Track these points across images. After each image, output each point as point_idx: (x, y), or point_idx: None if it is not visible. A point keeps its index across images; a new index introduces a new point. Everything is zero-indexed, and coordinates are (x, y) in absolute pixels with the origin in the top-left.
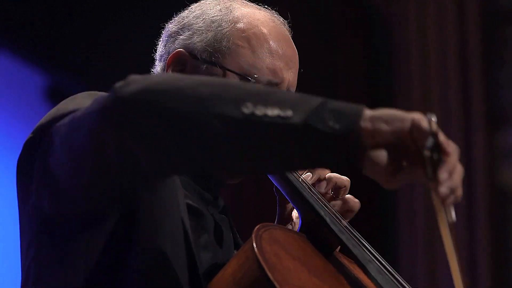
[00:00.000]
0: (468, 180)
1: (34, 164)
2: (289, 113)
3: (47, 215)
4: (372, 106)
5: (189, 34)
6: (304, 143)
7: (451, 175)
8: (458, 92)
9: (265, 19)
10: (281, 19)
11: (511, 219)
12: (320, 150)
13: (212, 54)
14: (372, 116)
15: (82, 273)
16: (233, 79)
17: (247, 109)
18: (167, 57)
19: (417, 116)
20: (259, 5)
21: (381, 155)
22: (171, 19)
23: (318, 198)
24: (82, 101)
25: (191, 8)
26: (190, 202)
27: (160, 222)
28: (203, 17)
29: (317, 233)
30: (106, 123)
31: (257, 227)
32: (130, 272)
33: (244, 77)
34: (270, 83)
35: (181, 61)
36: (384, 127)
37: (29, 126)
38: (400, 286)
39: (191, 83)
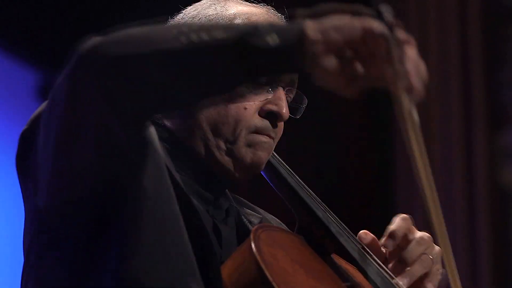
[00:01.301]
0: (469, 180)
1: (29, 158)
2: (225, 35)
3: (43, 212)
4: (372, 105)
5: None
6: (244, 60)
7: (416, 68)
8: (459, 91)
9: (262, 15)
10: (278, 15)
11: None
12: (262, 66)
13: None
14: (319, 26)
15: (81, 273)
16: None
17: (186, 39)
18: None
19: (368, 21)
20: (255, 3)
21: (333, 61)
22: (167, 20)
23: (315, 198)
24: None
25: (185, 11)
26: (188, 202)
27: (147, 219)
28: (199, 17)
29: (314, 235)
30: (74, 84)
31: (255, 228)
32: (125, 271)
33: None
34: (271, 77)
35: None
36: (334, 36)
37: (21, 125)
38: None
39: (144, 30)
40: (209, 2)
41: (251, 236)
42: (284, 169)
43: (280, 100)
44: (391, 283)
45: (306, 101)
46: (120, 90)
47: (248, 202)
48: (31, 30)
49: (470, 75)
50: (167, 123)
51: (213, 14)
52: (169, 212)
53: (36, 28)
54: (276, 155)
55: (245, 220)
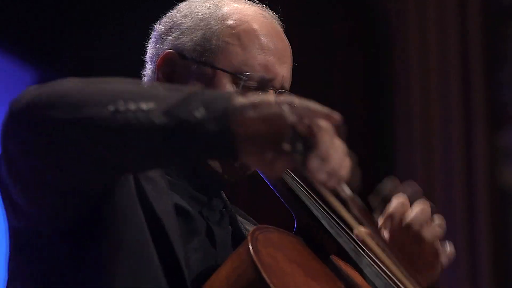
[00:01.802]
0: (469, 180)
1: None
2: (152, 105)
3: (17, 229)
4: (371, 105)
5: (178, 34)
6: (170, 138)
7: (325, 160)
8: (459, 91)
9: (255, 14)
10: (272, 13)
11: None
12: (189, 145)
13: (202, 54)
14: (243, 104)
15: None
16: (223, 78)
17: (113, 107)
18: (157, 59)
19: (277, 105)
20: (249, 0)
21: (256, 144)
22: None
23: (315, 199)
24: None
25: (179, 7)
26: (179, 205)
27: (119, 231)
28: (191, 16)
29: (313, 236)
30: (7, 140)
31: (252, 229)
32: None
33: (235, 75)
34: (263, 80)
35: (170, 62)
36: (251, 114)
37: None
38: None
39: (80, 87)
40: (202, 0)
41: (249, 237)
42: None
43: None
44: (391, 285)
45: None
46: (55, 153)
47: (243, 213)
48: (27, 28)
49: (470, 75)
50: None
51: (205, 13)
52: (139, 240)
53: (32, 27)
54: None
55: (240, 224)
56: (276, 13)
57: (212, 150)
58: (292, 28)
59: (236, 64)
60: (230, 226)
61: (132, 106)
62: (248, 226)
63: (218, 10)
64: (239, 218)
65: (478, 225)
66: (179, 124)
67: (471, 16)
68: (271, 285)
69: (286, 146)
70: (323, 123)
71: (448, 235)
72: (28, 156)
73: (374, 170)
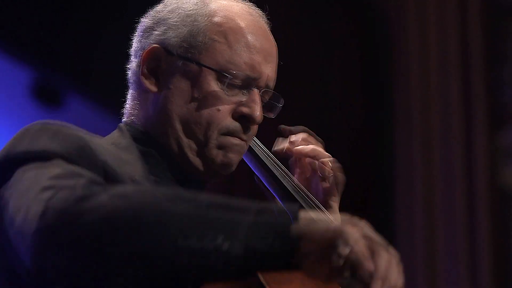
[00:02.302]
0: (469, 181)
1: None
2: (226, 243)
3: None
4: (371, 105)
5: (164, 29)
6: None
7: (385, 282)
8: (459, 90)
9: (242, 12)
10: (259, 11)
11: None
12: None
13: (188, 50)
14: (306, 228)
15: None
16: (208, 76)
17: (187, 242)
18: (142, 53)
19: (338, 245)
20: None
21: (316, 256)
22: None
23: (298, 188)
24: (35, 136)
25: (165, 2)
26: None
27: None
28: (178, 12)
29: None
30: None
31: None
32: None
33: (221, 73)
34: (248, 78)
35: (156, 57)
36: (316, 237)
37: (15, 124)
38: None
39: (130, 210)
40: None
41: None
42: (272, 167)
43: (254, 103)
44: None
45: (282, 101)
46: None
47: None
48: (25, 29)
49: (470, 74)
50: (142, 123)
51: (192, 9)
52: None
53: (30, 28)
54: (259, 145)
55: None
56: (263, 11)
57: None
58: (292, 27)
59: (222, 62)
60: None
61: (209, 245)
62: None
63: (205, 7)
64: None
65: (478, 225)
66: (252, 254)
67: (471, 15)
68: (267, 287)
69: (344, 273)
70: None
71: (448, 235)
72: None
73: (374, 170)
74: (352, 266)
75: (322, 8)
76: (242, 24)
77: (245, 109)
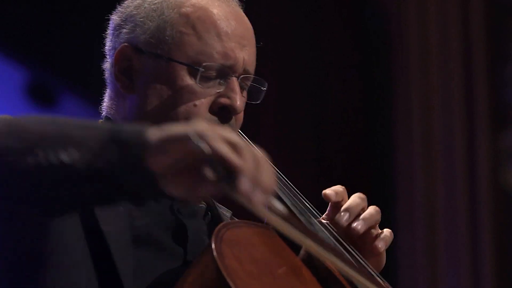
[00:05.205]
0: (471, 181)
1: None
2: (72, 155)
3: None
4: (371, 105)
5: (132, 27)
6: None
7: (255, 182)
8: (461, 90)
9: None
10: None
11: None
12: (110, 190)
13: (157, 46)
14: (157, 140)
15: None
16: (179, 71)
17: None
18: (114, 53)
19: (184, 135)
20: None
21: (173, 174)
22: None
23: (286, 187)
24: None
25: None
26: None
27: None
28: (144, 6)
29: None
30: None
31: (218, 227)
32: None
33: (192, 67)
34: (222, 67)
35: (126, 57)
36: (169, 149)
37: None
38: (374, 280)
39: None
40: None
41: (213, 238)
42: None
43: (233, 92)
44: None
45: (266, 84)
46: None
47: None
48: (20, 29)
49: (472, 74)
50: (118, 118)
51: (158, 3)
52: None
53: (25, 27)
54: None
55: (219, 210)
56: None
57: (137, 191)
58: (291, 26)
59: (193, 55)
60: (209, 213)
61: (52, 157)
62: (227, 213)
63: None
64: (217, 204)
65: (480, 226)
66: (97, 173)
67: (473, 14)
68: None
69: (208, 173)
70: (238, 141)
71: (449, 236)
72: None
73: (375, 170)
74: (215, 166)
75: (321, 6)
76: (212, 11)
77: (223, 100)
